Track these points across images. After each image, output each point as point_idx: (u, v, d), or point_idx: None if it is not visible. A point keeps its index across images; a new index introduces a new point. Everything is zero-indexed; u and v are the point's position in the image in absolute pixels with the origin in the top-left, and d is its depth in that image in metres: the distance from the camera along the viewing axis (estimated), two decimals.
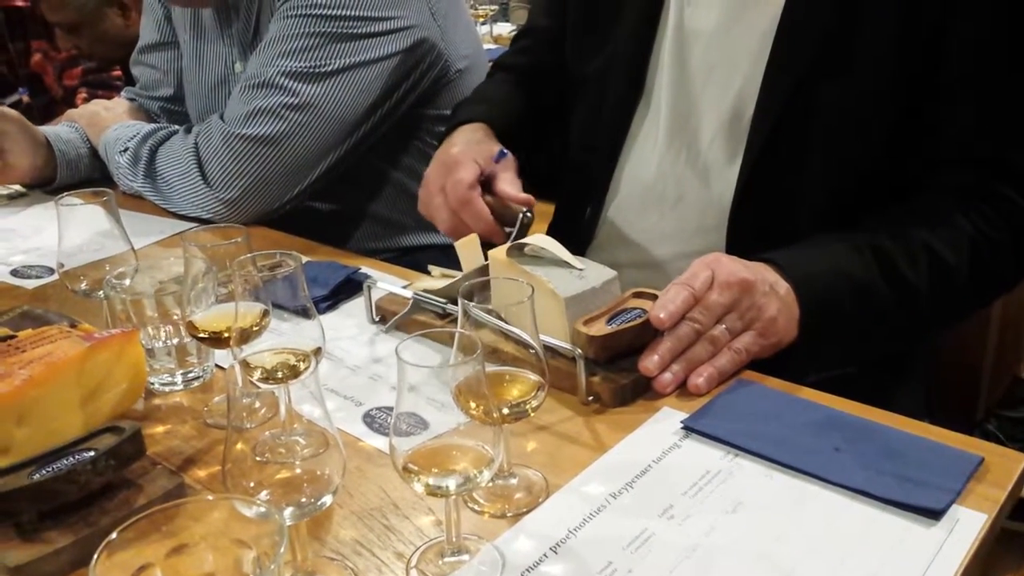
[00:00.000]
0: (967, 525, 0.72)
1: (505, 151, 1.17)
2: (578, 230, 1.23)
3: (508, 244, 1.00)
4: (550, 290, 0.92)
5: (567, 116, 1.29)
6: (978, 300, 1.09)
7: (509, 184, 1.13)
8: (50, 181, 1.58)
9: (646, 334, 0.92)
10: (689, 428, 0.85)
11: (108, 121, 1.60)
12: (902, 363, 1.16)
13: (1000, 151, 1.01)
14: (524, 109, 1.32)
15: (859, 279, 0.97)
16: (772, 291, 0.93)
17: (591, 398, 0.90)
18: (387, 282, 1.10)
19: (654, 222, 1.16)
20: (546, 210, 1.39)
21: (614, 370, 0.91)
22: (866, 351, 1.03)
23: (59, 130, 1.62)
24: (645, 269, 1.16)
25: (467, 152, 1.16)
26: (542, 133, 1.34)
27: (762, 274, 0.94)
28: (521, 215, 1.10)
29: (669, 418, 0.87)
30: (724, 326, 0.93)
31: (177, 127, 1.49)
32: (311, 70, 1.36)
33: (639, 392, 0.91)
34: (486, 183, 1.15)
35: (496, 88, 1.37)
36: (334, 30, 1.36)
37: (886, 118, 1.01)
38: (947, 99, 1.00)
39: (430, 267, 1.15)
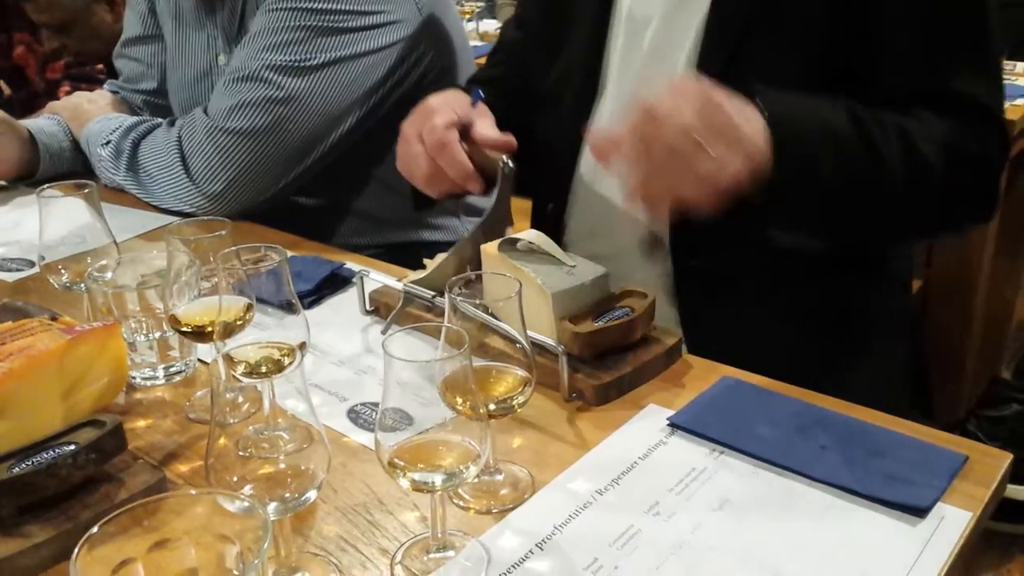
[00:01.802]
0: (952, 523, 0.72)
1: (480, 93, 1.13)
2: (545, 227, 1.21)
3: (500, 240, 0.99)
4: (538, 286, 0.92)
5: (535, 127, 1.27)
6: (950, 212, 1.03)
7: (486, 128, 1.08)
8: (32, 174, 1.56)
9: (633, 332, 0.92)
10: (675, 425, 0.85)
11: (91, 114, 1.59)
12: (885, 352, 1.16)
13: (953, 84, 0.99)
14: (501, 114, 1.27)
15: (833, 123, 0.93)
16: (740, 110, 0.86)
17: (573, 395, 0.90)
18: (378, 275, 1.10)
19: (619, 212, 1.15)
20: (523, 206, 1.39)
21: (599, 368, 0.91)
22: (833, 210, 0.97)
23: (41, 123, 1.60)
24: (616, 260, 1.14)
25: (444, 101, 1.12)
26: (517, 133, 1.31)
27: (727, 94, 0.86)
28: (501, 166, 1.05)
29: (655, 415, 0.87)
30: (695, 134, 0.83)
31: (160, 120, 1.48)
32: (296, 64, 1.35)
33: (623, 390, 0.91)
34: (463, 132, 1.09)
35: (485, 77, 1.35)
36: (320, 24, 1.35)
37: (825, 75, 1.00)
38: (883, 42, 0.99)
39: (425, 261, 1.14)
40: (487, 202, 1.09)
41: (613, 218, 1.16)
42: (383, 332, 1.05)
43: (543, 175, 1.23)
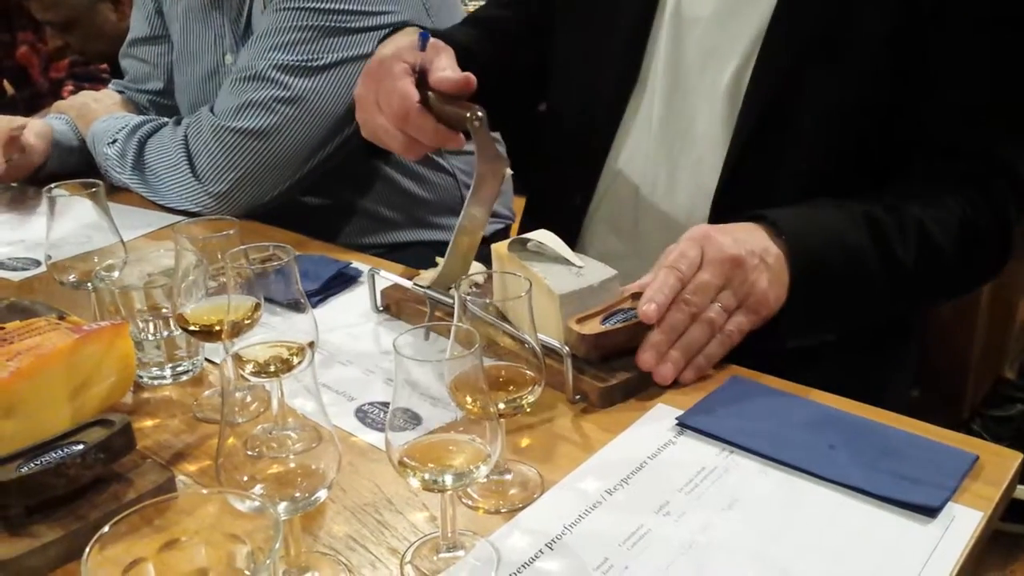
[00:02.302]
0: (963, 522, 0.72)
1: (426, 32, 1.01)
2: (566, 219, 1.20)
3: (510, 240, 0.98)
4: (546, 287, 0.91)
5: (546, 89, 1.25)
6: (962, 284, 1.10)
7: (443, 71, 0.98)
8: (39, 170, 1.55)
9: (640, 334, 0.91)
10: (684, 425, 0.85)
11: (97, 112, 1.58)
12: (893, 353, 1.16)
13: (986, 143, 1.02)
14: (489, 60, 1.17)
15: (851, 244, 0.97)
16: (762, 262, 0.92)
17: (578, 397, 0.89)
18: (387, 274, 1.10)
19: (645, 210, 1.15)
20: (522, 205, 1.38)
21: (604, 370, 0.90)
22: (848, 319, 1.02)
23: (52, 122, 1.60)
24: (634, 259, 1.15)
25: (394, 55, 1.02)
26: (509, 92, 1.23)
27: (751, 244, 0.93)
28: (469, 118, 0.94)
29: (664, 415, 0.87)
30: (719, 304, 0.91)
31: (166, 119, 1.48)
32: (303, 64, 1.35)
33: (629, 393, 0.90)
34: (422, 77, 1.00)
35: (459, 36, 1.21)
36: (327, 24, 1.35)
37: (874, 108, 1.02)
38: (935, 90, 1.00)
39: (438, 259, 1.13)
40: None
41: (639, 216, 1.16)
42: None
43: (571, 165, 1.21)
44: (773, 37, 1.03)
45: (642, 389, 0.91)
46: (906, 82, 1.00)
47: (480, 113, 0.94)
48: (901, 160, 1.05)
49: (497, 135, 1.45)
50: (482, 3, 1.43)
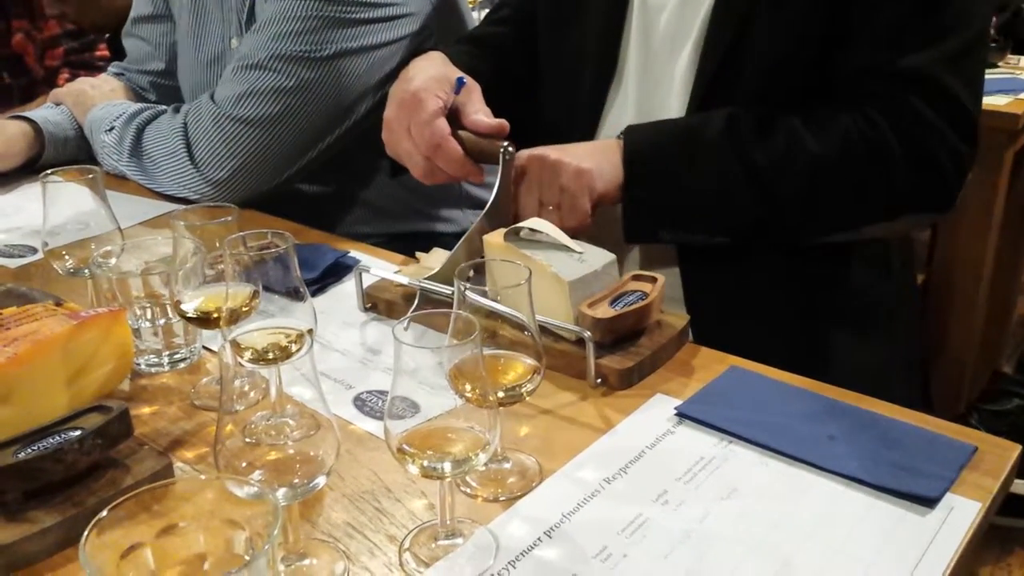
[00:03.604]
0: (961, 513, 0.72)
1: (464, 78, 1.09)
2: None
3: (504, 229, 0.98)
4: (553, 274, 0.91)
5: (537, 96, 1.26)
6: (853, 200, 1.04)
7: (478, 113, 1.07)
8: (34, 163, 1.55)
9: (648, 316, 0.92)
10: (683, 415, 0.85)
11: (95, 99, 1.57)
12: (890, 345, 1.16)
13: (903, 60, 0.99)
14: (490, 79, 1.19)
15: (688, 129, 1.02)
16: (577, 149, 1.02)
17: (599, 380, 0.89)
18: (378, 267, 1.09)
19: None
20: None
21: (618, 352, 0.91)
22: (702, 216, 1.04)
23: (46, 112, 1.59)
24: (621, 246, 1.15)
25: (427, 87, 1.08)
26: (508, 106, 1.22)
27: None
28: (502, 152, 1.03)
29: (663, 404, 0.87)
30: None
31: (164, 107, 1.47)
32: (307, 54, 1.34)
33: (644, 374, 0.91)
34: (454, 115, 1.08)
35: (463, 57, 1.25)
36: (333, 14, 1.34)
37: (810, 52, 1.02)
38: (863, 11, 0.99)
39: (417, 254, 1.14)
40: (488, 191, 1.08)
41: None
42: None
43: None
44: (720, 9, 1.04)
45: (654, 369, 0.92)
46: (837, 15, 1.00)
47: (512, 148, 1.03)
48: (836, 89, 1.03)
49: None
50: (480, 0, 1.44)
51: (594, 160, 1.02)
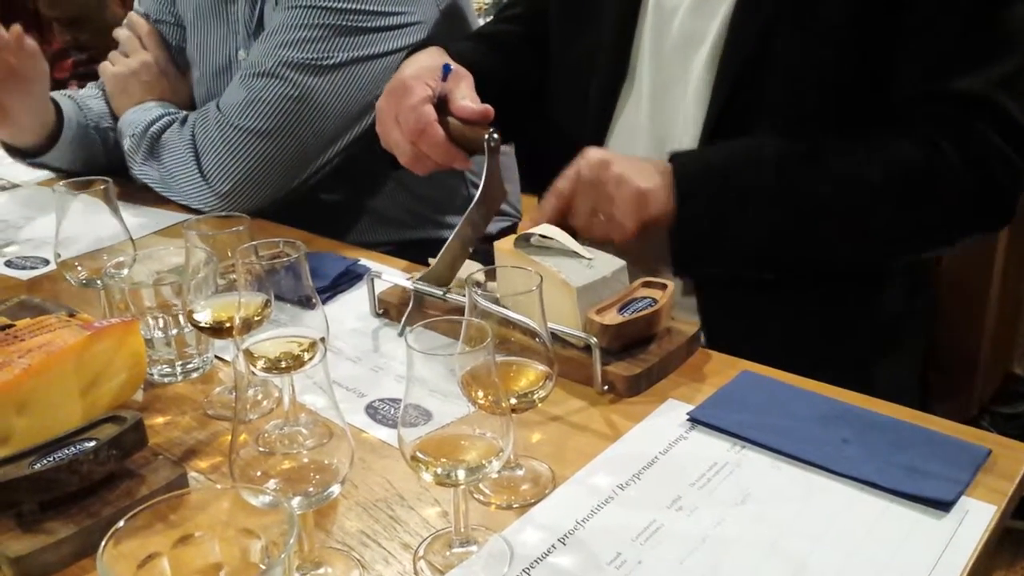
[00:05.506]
0: (977, 516, 0.72)
1: (451, 64, 1.09)
2: None
3: (514, 236, 0.99)
4: (561, 280, 0.91)
5: (544, 94, 1.26)
6: (914, 232, 1.03)
7: (465, 99, 1.06)
8: (45, 149, 1.50)
9: (658, 322, 0.92)
10: (695, 420, 0.85)
11: (135, 95, 1.53)
12: (901, 348, 1.15)
13: (958, 84, 0.98)
14: (497, 75, 1.21)
15: (743, 150, 1.01)
16: (642, 166, 1.00)
17: (606, 387, 0.89)
18: (389, 274, 1.09)
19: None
20: (532, 203, 1.37)
21: (626, 359, 0.91)
22: (751, 243, 1.02)
23: (86, 93, 1.58)
24: (661, 264, 1.14)
25: (417, 76, 1.09)
26: (515, 104, 1.23)
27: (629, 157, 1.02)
28: (487, 139, 1.00)
29: (675, 410, 0.87)
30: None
31: (180, 114, 1.46)
32: (314, 62, 1.34)
33: (652, 380, 0.91)
34: (443, 103, 1.08)
35: (469, 52, 1.25)
36: (340, 23, 1.34)
37: (842, 69, 1.00)
38: (900, 40, 0.99)
39: (430, 260, 1.14)
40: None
41: None
42: (399, 335, 1.04)
43: (560, 160, 1.22)
44: (739, 17, 1.03)
45: (662, 376, 0.92)
46: (873, 38, 0.99)
47: (496, 135, 1.00)
48: (876, 114, 1.02)
49: (507, 148, 1.46)
50: (489, 2, 1.44)
51: (653, 182, 1.00)
